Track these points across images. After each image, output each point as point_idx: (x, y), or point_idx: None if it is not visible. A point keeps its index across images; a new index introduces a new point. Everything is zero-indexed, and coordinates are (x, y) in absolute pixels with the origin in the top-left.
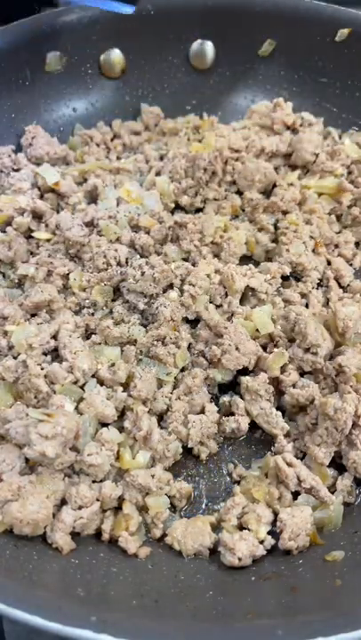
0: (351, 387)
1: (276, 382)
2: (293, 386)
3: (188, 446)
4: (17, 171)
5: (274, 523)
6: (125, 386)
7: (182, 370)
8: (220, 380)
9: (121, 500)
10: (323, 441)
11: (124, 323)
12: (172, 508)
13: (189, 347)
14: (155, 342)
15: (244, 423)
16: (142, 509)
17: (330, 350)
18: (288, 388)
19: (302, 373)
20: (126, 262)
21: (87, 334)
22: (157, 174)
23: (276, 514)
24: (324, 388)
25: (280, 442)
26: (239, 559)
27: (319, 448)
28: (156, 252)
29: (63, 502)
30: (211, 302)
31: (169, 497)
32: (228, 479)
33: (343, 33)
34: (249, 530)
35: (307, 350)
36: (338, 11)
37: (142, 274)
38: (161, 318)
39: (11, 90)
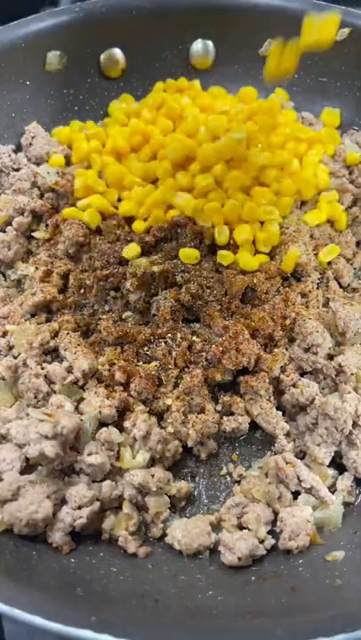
0: (351, 386)
1: (276, 382)
2: (294, 386)
3: (188, 446)
4: (17, 171)
5: (274, 522)
6: (125, 386)
7: (182, 369)
8: (219, 379)
9: (121, 499)
10: (323, 441)
11: (124, 322)
12: (172, 507)
13: (189, 346)
14: (155, 341)
15: (245, 423)
16: (142, 509)
17: (330, 350)
18: (288, 388)
19: (302, 373)
20: (127, 262)
21: (87, 334)
22: None
23: (276, 513)
24: (324, 388)
25: (280, 442)
26: (239, 559)
27: (319, 448)
28: (156, 251)
29: (63, 502)
30: (211, 301)
31: (169, 496)
32: (228, 479)
33: (343, 33)
34: (249, 529)
35: (307, 350)
36: (338, 11)
37: (142, 273)
38: (161, 318)
39: (11, 90)
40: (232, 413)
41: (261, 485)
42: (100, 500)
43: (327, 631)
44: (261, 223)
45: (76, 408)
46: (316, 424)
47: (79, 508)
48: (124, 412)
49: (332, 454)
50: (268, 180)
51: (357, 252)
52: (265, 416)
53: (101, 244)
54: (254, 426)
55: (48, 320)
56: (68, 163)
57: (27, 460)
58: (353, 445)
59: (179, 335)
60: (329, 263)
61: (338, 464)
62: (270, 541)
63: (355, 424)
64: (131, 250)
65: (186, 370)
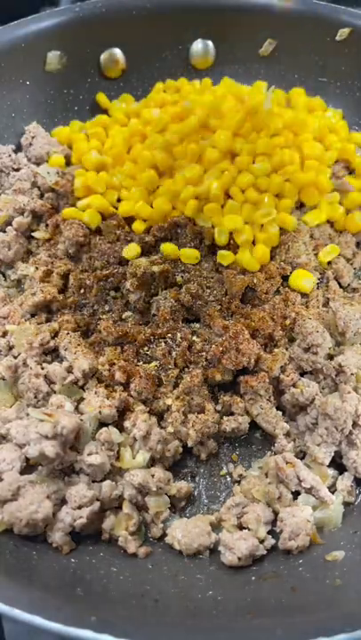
0: (351, 386)
1: (276, 382)
2: (294, 385)
3: (188, 446)
4: (17, 170)
5: (274, 522)
6: (125, 386)
7: (182, 369)
8: (219, 379)
9: (121, 499)
10: (323, 441)
11: (123, 322)
12: (172, 507)
13: (189, 346)
14: (155, 341)
15: (245, 423)
16: (142, 509)
17: (330, 350)
18: (288, 388)
19: (302, 373)
20: (127, 262)
21: (87, 334)
22: None
23: (276, 513)
24: (324, 388)
25: (280, 441)
26: (239, 559)
27: (319, 448)
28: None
29: (63, 502)
30: (211, 301)
31: (169, 496)
32: (228, 479)
33: (343, 32)
34: (249, 529)
35: (307, 350)
36: (338, 11)
37: (142, 273)
38: (161, 318)
39: (11, 90)
40: (232, 413)
41: (261, 485)
42: (100, 499)
43: (327, 631)
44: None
45: (76, 408)
46: (316, 424)
47: (79, 507)
48: (124, 411)
49: (333, 454)
50: (270, 186)
51: (357, 252)
52: (265, 416)
53: (101, 244)
54: (254, 426)
55: (48, 320)
56: (68, 163)
57: (27, 460)
58: (353, 445)
59: (179, 335)
60: (329, 263)
61: (338, 464)
62: (270, 541)
63: (355, 424)
64: (131, 250)
65: (186, 370)
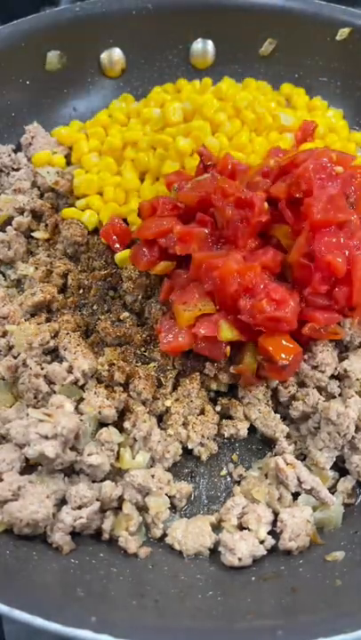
0: (355, 391)
1: (273, 392)
2: (293, 398)
3: (189, 447)
4: (17, 170)
5: (274, 523)
6: (125, 386)
7: (180, 372)
8: (215, 389)
9: (121, 499)
10: (325, 445)
11: (122, 322)
12: (173, 507)
13: None
14: (152, 342)
15: (243, 428)
16: (142, 509)
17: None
18: (291, 403)
19: (301, 384)
20: None
21: (87, 334)
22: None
23: (276, 514)
24: (322, 394)
25: (281, 444)
26: (239, 559)
27: (321, 452)
28: None
29: (63, 502)
30: None
31: (169, 497)
32: (229, 479)
33: (344, 32)
34: (249, 530)
35: (315, 367)
36: (338, 11)
37: (138, 276)
38: (153, 320)
39: (11, 89)
40: (231, 417)
41: (261, 486)
42: (100, 500)
43: (327, 631)
44: None
45: (76, 408)
46: (318, 428)
47: (79, 508)
48: (123, 412)
49: (334, 459)
50: None
51: None
52: (263, 420)
53: (99, 244)
54: (254, 426)
55: (48, 320)
56: (68, 163)
57: (27, 460)
58: (356, 450)
59: None
60: None
61: (338, 466)
62: (270, 542)
63: (357, 429)
64: (121, 256)
65: (183, 372)
